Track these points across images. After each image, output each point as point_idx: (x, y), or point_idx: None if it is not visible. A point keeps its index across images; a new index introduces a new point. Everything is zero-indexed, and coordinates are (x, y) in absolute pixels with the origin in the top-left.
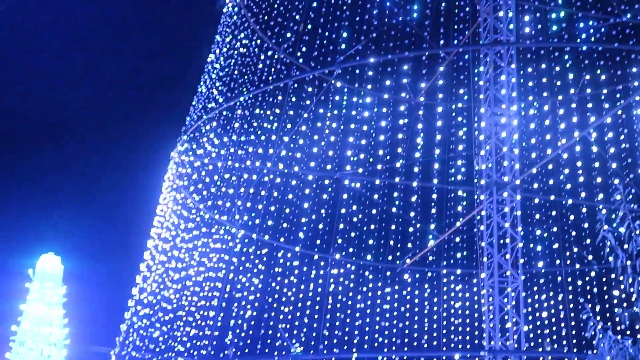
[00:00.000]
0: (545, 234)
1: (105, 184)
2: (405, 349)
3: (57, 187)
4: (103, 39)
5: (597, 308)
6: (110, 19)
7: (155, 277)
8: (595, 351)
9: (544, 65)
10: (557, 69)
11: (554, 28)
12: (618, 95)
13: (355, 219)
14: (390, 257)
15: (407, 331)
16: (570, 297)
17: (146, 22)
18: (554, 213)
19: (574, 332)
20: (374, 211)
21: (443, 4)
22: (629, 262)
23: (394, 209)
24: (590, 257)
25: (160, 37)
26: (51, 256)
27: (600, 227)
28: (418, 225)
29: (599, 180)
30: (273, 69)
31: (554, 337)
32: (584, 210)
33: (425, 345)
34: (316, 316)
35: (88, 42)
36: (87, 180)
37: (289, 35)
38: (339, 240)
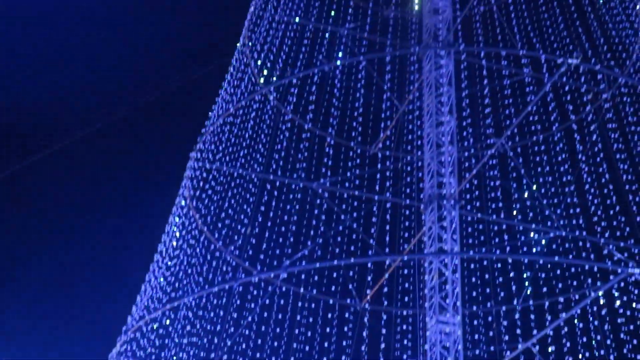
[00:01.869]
0: None
1: None
2: None
3: None
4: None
5: None
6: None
7: None
8: None
9: (487, 275)
10: (500, 279)
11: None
12: (560, 307)
13: None
14: None
15: None
16: None
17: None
18: None
19: None
20: None
21: (389, 211)
22: None
23: None
24: None
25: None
26: None
27: None
28: None
29: None
30: (219, 271)
31: None
32: None
33: None
34: None
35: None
36: None
37: (236, 237)
38: None
